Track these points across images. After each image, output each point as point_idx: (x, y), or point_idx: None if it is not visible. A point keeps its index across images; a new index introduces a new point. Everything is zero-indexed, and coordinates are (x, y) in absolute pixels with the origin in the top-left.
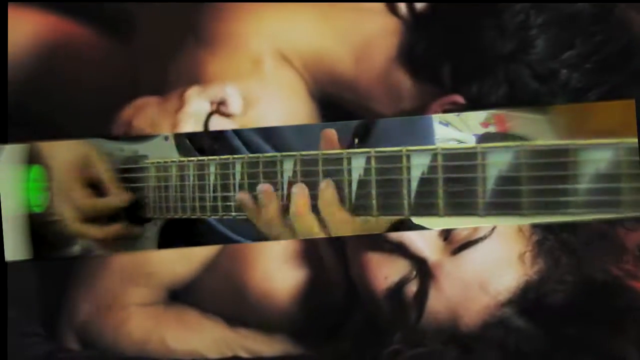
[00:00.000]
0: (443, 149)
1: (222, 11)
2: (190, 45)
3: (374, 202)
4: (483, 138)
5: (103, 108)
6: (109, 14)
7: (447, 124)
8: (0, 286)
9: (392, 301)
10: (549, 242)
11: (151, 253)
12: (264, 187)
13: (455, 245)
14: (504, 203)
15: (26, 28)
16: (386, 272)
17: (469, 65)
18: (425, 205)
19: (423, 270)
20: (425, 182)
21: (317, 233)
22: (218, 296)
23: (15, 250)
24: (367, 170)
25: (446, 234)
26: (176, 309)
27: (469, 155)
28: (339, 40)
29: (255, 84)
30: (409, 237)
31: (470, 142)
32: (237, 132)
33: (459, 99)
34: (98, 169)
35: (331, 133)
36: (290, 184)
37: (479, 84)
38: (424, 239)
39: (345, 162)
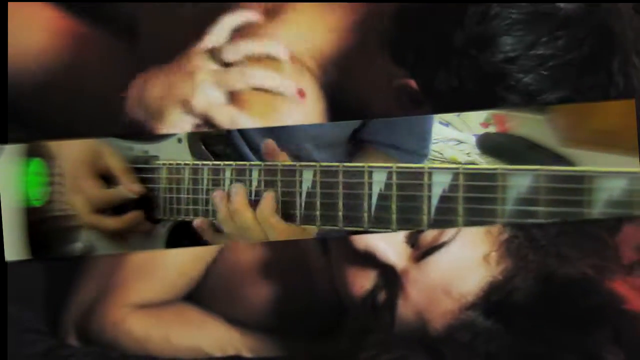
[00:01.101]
0: (465, 168)
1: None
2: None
3: (394, 216)
4: (483, 138)
5: (107, 109)
6: (112, 13)
7: (447, 124)
8: (0, 284)
9: (366, 310)
10: (518, 239)
11: (154, 253)
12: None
13: (421, 250)
14: (521, 224)
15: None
16: (362, 281)
17: (430, 54)
18: (445, 222)
19: (391, 278)
20: (446, 199)
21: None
22: (215, 295)
23: (16, 249)
24: (388, 185)
25: (413, 240)
26: (176, 306)
27: (489, 176)
28: (338, 35)
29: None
30: (377, 246)
31: (470, 142)
32: (244, 137)
33: (412, 83)
34: (109, 161)
35: (272, 144)
36: (309, 194)
37: (434, 74)
38: (391, 247)
39: (366, 176)
